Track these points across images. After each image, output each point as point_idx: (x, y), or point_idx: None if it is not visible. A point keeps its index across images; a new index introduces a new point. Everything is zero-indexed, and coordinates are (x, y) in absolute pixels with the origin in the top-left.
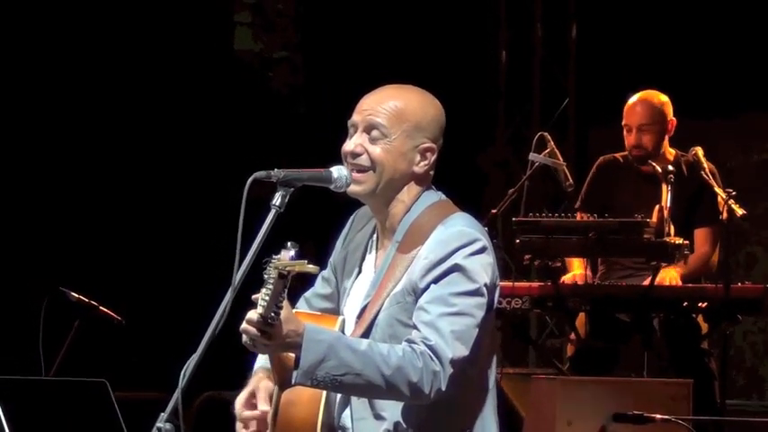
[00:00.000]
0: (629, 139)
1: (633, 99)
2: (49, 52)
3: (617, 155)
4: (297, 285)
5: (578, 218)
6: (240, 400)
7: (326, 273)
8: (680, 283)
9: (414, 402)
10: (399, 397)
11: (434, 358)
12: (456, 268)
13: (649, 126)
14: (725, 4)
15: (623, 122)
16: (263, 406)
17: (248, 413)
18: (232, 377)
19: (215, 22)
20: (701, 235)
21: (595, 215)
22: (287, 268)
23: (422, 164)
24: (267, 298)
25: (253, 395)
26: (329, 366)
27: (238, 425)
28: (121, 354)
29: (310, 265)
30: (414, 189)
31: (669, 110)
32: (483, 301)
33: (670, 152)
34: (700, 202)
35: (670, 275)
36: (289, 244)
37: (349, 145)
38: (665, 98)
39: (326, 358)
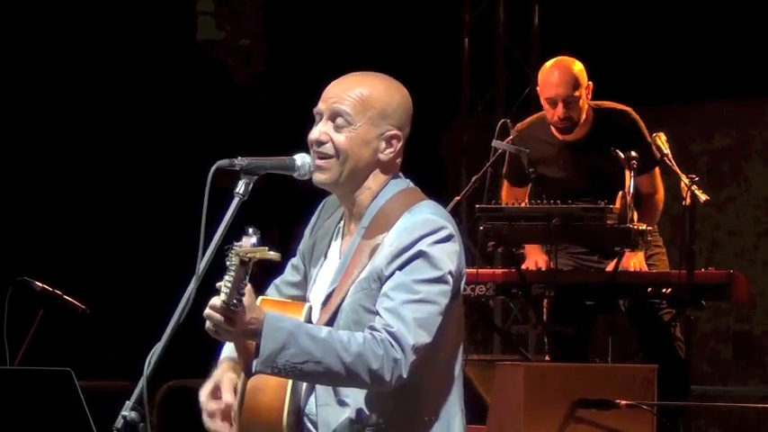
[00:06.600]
0: (556, 113)
1: (550, 69)
2: (10, 46)
3: (532, 118)
4: (259, 273)
5: (505, 187)
6: (205, 391)
7: (296, 260)
8: (645, 268)
9: (375, 389)
10: (360, 384)
11: (396, 345)
12: (420, 255)
13: (573, 97)
14: None
15: (544, 96)
16: (228, 397)
17: (214, 405)
18: (197, 366)
19: (177, 11)
20: (644, 181)
21: (558, 201)
22: (248, 255)
23: (387, 151)
24: (230, 285)
25: (218, 387)
26: (289, 354)
27: (204, 416)
28: (86, 343)
29: (271, 252)
30: (380, 176)
31: (585, 75)
32: (447, 288)
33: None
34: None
35: (636, 260)
36: (250, 230)
37: (314, 133)
38: (580, 64)
39: (286, 346)
